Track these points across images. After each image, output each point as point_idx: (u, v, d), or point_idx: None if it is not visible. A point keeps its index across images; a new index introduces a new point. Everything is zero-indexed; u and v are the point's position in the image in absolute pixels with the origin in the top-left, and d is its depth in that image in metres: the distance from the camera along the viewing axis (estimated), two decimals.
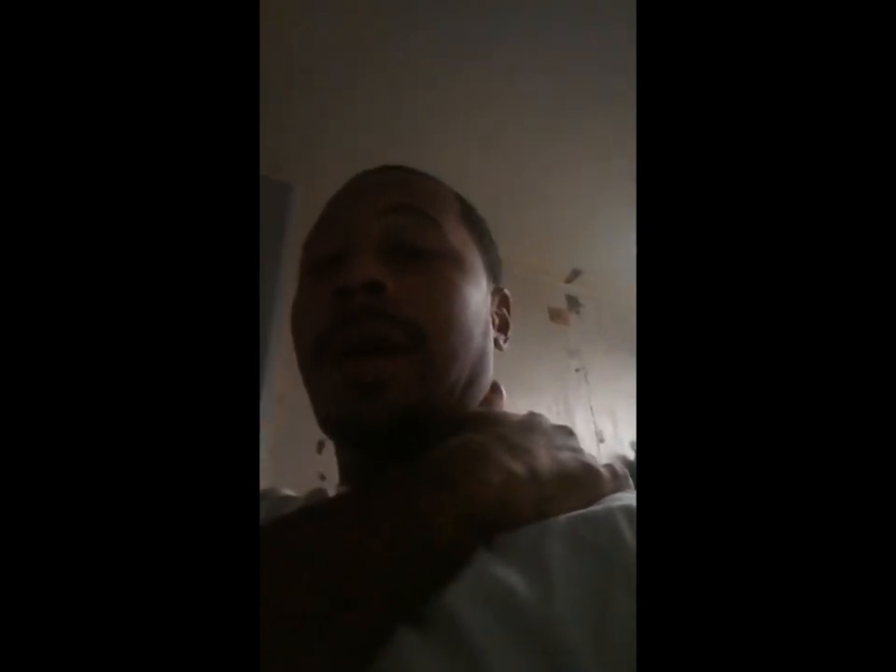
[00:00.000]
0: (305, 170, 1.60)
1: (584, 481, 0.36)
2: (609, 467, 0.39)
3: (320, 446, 1.37)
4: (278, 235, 1.50)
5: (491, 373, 0.48)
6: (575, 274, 2.14)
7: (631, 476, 0.39)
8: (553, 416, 1.81)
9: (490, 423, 0.39)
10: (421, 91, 1.43)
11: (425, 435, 0.38)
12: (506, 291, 0.53)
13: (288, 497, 0.51)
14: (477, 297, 0.44)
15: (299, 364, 0.43)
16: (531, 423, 0.39)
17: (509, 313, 0.53)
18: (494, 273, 0.50)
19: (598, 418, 1.93)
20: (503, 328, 0.52)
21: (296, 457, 1.34)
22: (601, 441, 1.88)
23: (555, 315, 2.08)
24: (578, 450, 0.39)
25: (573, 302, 2.15)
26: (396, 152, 1.54)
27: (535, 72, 1.38)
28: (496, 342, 0.49)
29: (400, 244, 0.42)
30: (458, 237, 0.45)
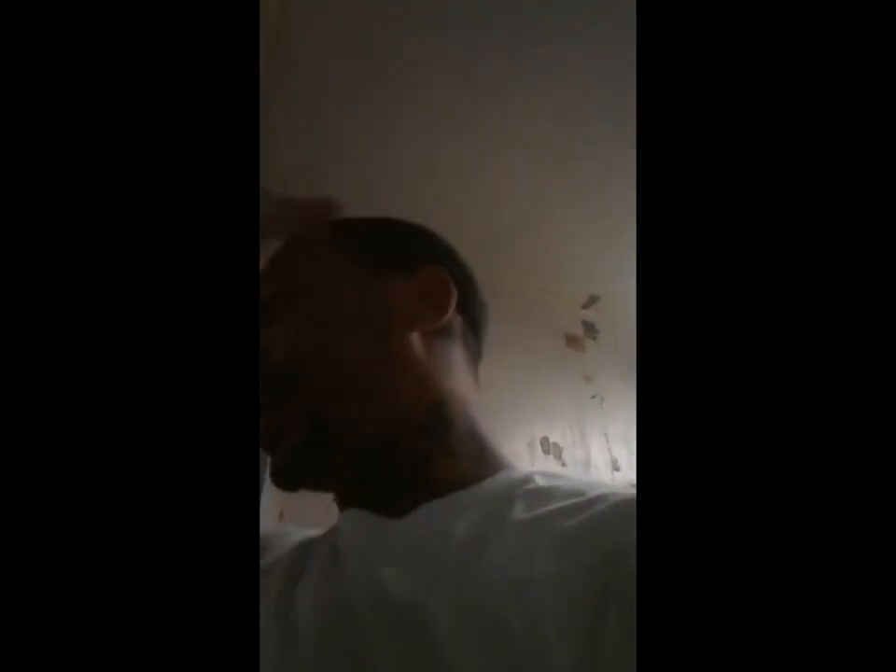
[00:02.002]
0: (323, 189, 1.62)
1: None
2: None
3: None
4: None
5: (423, 363, 0.44)
6: (592, 300, 2.13)
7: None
8: (568, 443, 1.79)
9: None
10: (434, 113, 1.45)
11: (337, 451, 0.42)
12: (435, 268, 0.47)
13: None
14: (351, 311, 0.45)
15: None
16: None
17: (445, 288, 0.47)
18: (392, 262, 0.47)
19: (614, 446, 1.91)
20: (427, 314, 0.45)
21: None
22: (616, 469, 1.85)
23: (572, 342, 2.07)
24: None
25: (589, 328, 2.14)
26: (407, 174, 1.56)
27: (551, 90, 1.39)
28: (410, 325, 0.45)
29: (273, 296, 0.45)
30: (322, 260, 0.47)
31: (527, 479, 0.40)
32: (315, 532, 0.49)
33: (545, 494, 0.38)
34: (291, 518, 1.25)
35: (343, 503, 0.44)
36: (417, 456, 0.42)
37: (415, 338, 0.45)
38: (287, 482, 0.42)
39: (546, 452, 1.74)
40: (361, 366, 0.43)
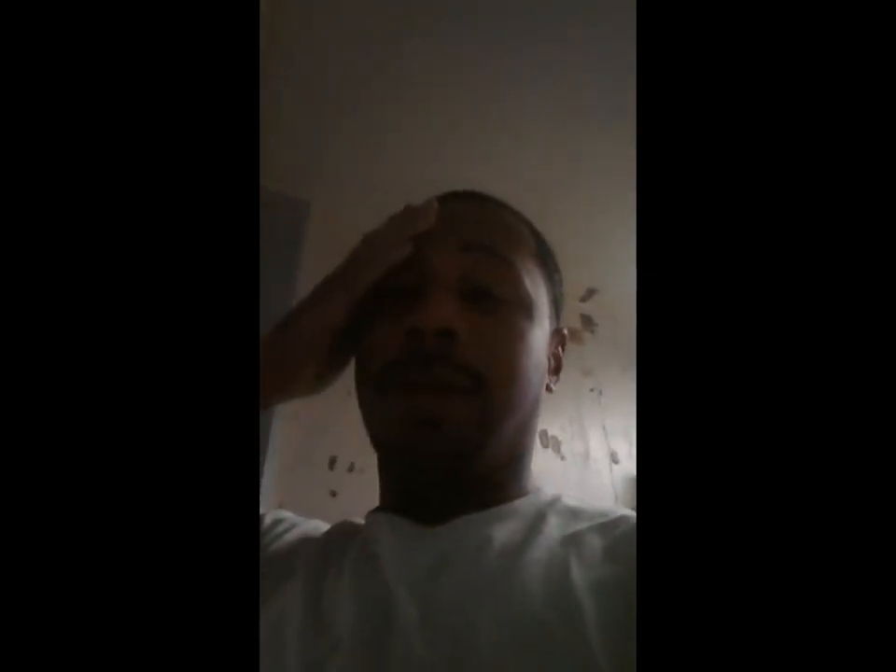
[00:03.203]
0: (321, 186, 1.62)
1: None
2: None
3: (332, 463, 1.37)
4: (293, 252, 1.51)
5: (538, 416, 0.48)
6: (590, 294, 2.13)
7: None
8: (567, 437, 1.79)
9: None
10: (435, 108, 1.44)
11: (471, 470, 0.41)
12: (565, 331, 0.53)
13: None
14: (540, 344, 0.45)
15: (357, 382, 0.44)
16: None
17: (563, 353, 0.52)
18: (557, 312, 0.51)
19: (612, 439, 1.91)
20: (556, 370, 0.51)
21: (308, 474, 1.34)
22: (615, 462, 1.86)
23: (570, 335, 2.07)
24: None
25: (588, 322, 2.14)
26: (409, 168, 1.55)
27: (549, 87, 1.39)
28: (548, 385, 0.49)
29: (476, 287, 0.42)
30: (531, 281, 0.45)
31: (556, 499, 0.44)
32: (315, 524, 0.50)
33: (574, 513, 0.41)
34: (291, 510, 1.25)
35: (384, 506, 0.45)
36: (495, 485, 0.43)
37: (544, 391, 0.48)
38: (420, 463, 0.41)
39: (545, 445, 1.74)
40: (530, 401, 0.43)
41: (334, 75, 1.35)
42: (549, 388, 0.49)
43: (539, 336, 0.44)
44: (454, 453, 0.39)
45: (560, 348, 0.52)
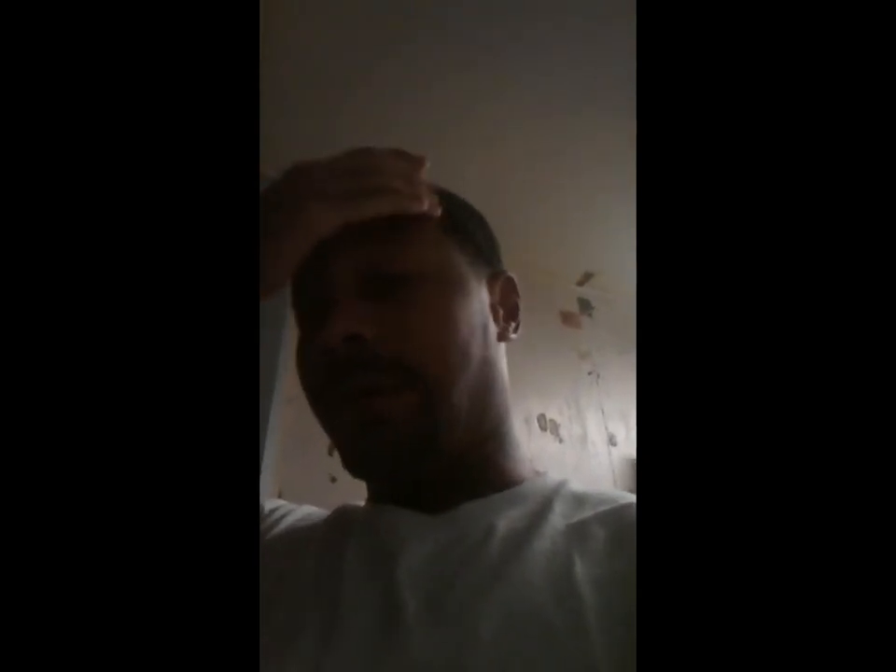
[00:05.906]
0: None
1: None
2: None
3: (331, 448, 1.37)
4: None
5: (504, 373, 0.46)
6: (587, 277, 2.13)
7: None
8: (564, 419, 1.80)
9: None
10: (430, 91, 1.43)
11: (441, 455, 0.40)
12: (509, 274, 0.49)
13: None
14: (467, 307, 0.43)
15: (307, 399, 0.44)
16: None
17: (518, 296, 0.49)
18: (486, 258, 0.47)
19: (610, 421, 1.92)
20: (511, 315, 0.48)
21: (307, 459, 1.34)
22: (613, 444, 1.87)
23: (567, 318, 2.07)
24: None
25: (585, 305, 2.14)
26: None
27: (544, 71, 1.38)
28: (502, 335, 0.46)
29: (374, 277, 0.41)
30: (433, 245, 0.43)
31: (561, 484, 0.43)
32: (310, 510, 0.50)
33: (580, 500, 0.41)
34: (291, 496, 1.25)
35: (378, 496, 0.45)
36: (484, 461, 0.43)
37: (503, 347, 0.47)
38: (390, 471, 0.40)
39: (543, 428, 1.75)
40: (476, 366, 0.42)
41: (337, 62, 1.34)
42: (505, 337, 0.46)
43: (462, 302, 0.42)
44: (405, 449, 0.39)
45: (512, 294, 0.48)
